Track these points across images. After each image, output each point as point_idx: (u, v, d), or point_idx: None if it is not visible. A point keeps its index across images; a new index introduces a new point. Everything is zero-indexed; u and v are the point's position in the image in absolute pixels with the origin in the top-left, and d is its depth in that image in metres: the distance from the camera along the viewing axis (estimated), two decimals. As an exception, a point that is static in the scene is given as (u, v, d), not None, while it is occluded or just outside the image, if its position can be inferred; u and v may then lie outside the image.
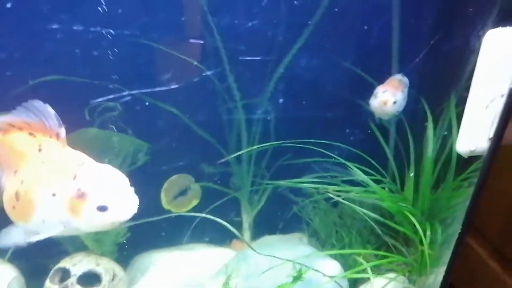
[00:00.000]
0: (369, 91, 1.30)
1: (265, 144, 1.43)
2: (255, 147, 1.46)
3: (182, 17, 1.30)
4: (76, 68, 1.24)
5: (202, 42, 1.34)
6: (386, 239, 1.41)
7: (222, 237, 1.58)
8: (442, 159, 1.40)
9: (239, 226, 1.60)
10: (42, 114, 0.82)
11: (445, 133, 1.38)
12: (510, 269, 1.33)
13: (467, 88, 1.03)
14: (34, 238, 0.79)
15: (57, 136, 0.82)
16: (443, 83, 1.40)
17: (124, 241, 1.39)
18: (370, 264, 1.26)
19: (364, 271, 1.26)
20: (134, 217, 0.78)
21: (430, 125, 1.40)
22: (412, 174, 1.43)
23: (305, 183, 1.45)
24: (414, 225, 1.29)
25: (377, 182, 1.42)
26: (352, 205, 1.36)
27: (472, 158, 1.09)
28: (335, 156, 1.39)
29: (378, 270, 1.35)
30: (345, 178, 1.44)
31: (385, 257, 1.33)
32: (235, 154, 1.44)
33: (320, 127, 1.53)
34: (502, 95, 0.95)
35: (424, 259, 1.29)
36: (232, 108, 1.45)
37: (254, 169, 1.54)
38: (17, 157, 0.83)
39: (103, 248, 1.35)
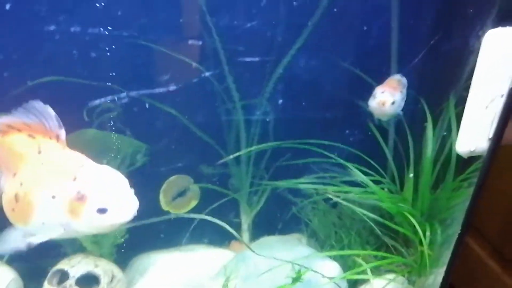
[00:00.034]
0: (368, 92, 1.29)
1: (264, 145, 1.43)
2: (254, 147, 1.46)
3: (180, 18, 1.30)
4: (74, 69, 1.23)
5: (200, 43, 1.34)
6: (386, 240, 1.41)
7: (221, 238, 1.57)
8: (442, 159, 1.40)
9: (238, 227, 1.60)
10: (43, 115, 0.82)
11: (445, 133, 1.38)
12: (509, 269, 1.33)
13: (466, 88, 1.02)
14: (34, 241, 0.79)
15: (57, 137, 0.82)
16: (442, 83, 1.40)
17: (123, 243, 1.38)
18: (369, 265, 1.25)
19: (363, 272, 1.26)
20: (133, 219, 0.78)
21: (429, 125, 1.40)
22: (411, 175, 1.43)
23: (304, 183, 1.45)
24: (414, 226, 1.28)
25: (376, 182, 1.42)
26: (352, 205, 1.36)
27: (472, 158, 1.09)
28: (334, 157, 1.39)
29: (377, 271, 1.35)
30: (344, 179, 1.44)
31: (384, 258, 1.33)
32: (234, 155, 1.44)
33: (319, 128, 1.52)
34: (502, 95, 0.95)
35: (423, 259, 1.28)
36: (231, 108, 1.44)
37: (253, 170, 1.54)
38: (16, 159, 0.83)
39: (102, 249, 1.35)
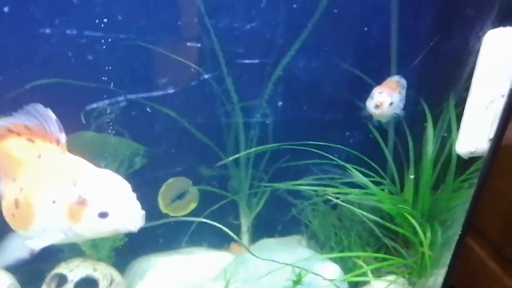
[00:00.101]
0: (368, 93, 1.29)
1: (263, 147, 1.43)
2: (253, 149, 1.45)
3: (179, 20, 1.29)
4: (72, 71, 1.23)
5: (199, 45, 1.33)
6: (386, 241, 1.41)
7: (220, 241, 1.57)
8: (442, 160, 1.40)
9: (237, 229, 1.59)
10: (43, 118, 0.81)
11: (445, 134, 1.37)
12: (510, 269, 1.33)
13: (466, 89, 1.02)
14: (36, 247, 0.78)
15: (57, 141, 0.81)
16: (442, 84, 1.40)
17: (121, 246, 1.37)
18: (370, 267, 1.25)
19: (364, 274, 1.25)
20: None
21: (429, 126, 1.40)
22: (412, 176, 1.43)
23: (304, 185, 1.44)
24: (414, 227, 1.28)
25: (376, 183, 1.41)
26: (351, 207, 1.36)
27: (472, 159, 1.09)
28: (334, 158, 1.38)
29: (378, 273, 1.35)
30: (344, 180, 1.44)
31: (385, 259, 1.33)
32: (233, 157, 1.43)
33: (318, 129, 1.52)
34: (502, 96, 0.95)
35: (424, 261, 1.28)
36: (230, 110, 1.44)
37: (253, 172, 1.53)
38: (16, 164, 0.82)
39: (100, 253, 1.34)
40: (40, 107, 0.81)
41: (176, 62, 1.31)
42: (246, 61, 1.38)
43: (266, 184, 1.53)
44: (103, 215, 0.74)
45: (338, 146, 1.40)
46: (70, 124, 0.85)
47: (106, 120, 1.29)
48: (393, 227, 1.36)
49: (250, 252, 1.25)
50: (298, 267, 1.21)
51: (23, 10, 1.16)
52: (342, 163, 1.39)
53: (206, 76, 1.36)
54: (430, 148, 1.39)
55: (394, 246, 1.41)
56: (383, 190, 1.44)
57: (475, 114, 1.01)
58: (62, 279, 1.24)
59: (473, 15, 1.20)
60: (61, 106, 0.84)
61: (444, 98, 1.37)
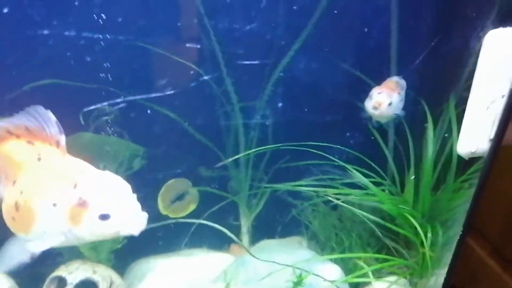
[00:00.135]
0: (368, 93, 1.29)
1: (263, 147, 1.42)
2: (253, 150, 1.45)
3: (179, 21, 1.28)
4: (72, 72, 1.22)
5: (198, 46, 1.32)
6: (387, 242, 1.40)
7: (220, 242, 1.57)
8: (442, 160, 1.40)
9: (237, 230, 1.59)
10: (43, 120, 0.81)
11: (445, 135, 1.37)
12: (510, 269, 1.33)
13: (467, 89, 1.02)
14: (37, 250, 0.78)
15: (57, 144, 0.81)
16: (442, 84, 1.40)
17: (121, 248, 1.37)
18: (371, 267, 1.25)
19: (365, 274, 1.25)
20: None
21: (430, 126, 1.40)
22: (413, 177, 1.43)
23: (304, 186, 1.44)
24: (415, 228, 1.28)
25: (377, 184, 1.41)
26: (352, 208, 1.35)
27: (472, 159, 1.09)
28: (334, 159, 1.38)
29: (379, 273, 1.34)
30: (344, 181, 1.43)
31: (386, 260, 1.33)
32: (233, 158, 1.43)
33: (319, 130, 1.52)
34: (503, 96, 0.95)
35: (425, 261, 1.28)
36: (230, 111, 1.43)
37: (252, 173, 1.53)
38: (16, 167, 0.82)
39: (100, 255, 1.33)
40: (40, 108, 0.81)
41: (175, 63, 1.30)
42: (246, 62, 1.37)
43: (266, 185, 1.53)
44: (104, 217, 0.73)
45: (339, 147, 1.40)
46: (68, 125, 0.84)
47: (105, 121, 1.29)
48: (394, 227, 1.35)
49: (250, 254, 1.25)
50: (298, 268, 1.20)
51: (23, 11, 1.16)
52: (342, 163, 1.39)
53: (205, 77, 1.36)
54: (430, 148, 1.39)
55: (395, 246, 1.41)
56: (383, 190, 1.44)
57: (476, 114, 1.01)
58: (62, 281, 1.24)
59: (474, 16, 1.20)
60: (60, 107, 0.83)
61: (444, 98, 1.37)
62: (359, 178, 1.39)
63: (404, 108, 1.32)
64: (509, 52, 0.94)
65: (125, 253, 1.39)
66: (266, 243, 1.59)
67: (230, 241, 1.56)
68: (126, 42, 1.23)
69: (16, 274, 1.29)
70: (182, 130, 1.40)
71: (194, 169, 1.49)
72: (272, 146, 1.42)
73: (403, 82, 1.35)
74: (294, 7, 1.33)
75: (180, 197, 1.48)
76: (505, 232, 1.36)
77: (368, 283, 1.31)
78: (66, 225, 0.75)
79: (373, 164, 1.44)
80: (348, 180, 1.43)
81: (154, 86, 1.32)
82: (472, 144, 1.02)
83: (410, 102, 1.36)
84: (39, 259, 0.82)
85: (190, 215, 1.48)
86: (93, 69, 1.24)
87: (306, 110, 1.50)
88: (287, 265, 1.20)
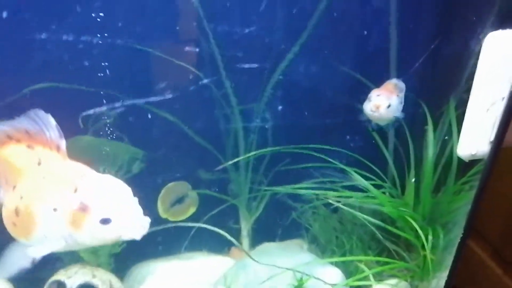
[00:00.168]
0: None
1: (263, 150, 1.42)
2: (253, 153, 1.45)
3: (178, 24, 1.28)
4: (71, 76, 1.22)
5: (197, 49, 1.32)
6: (388, 245, 1.40)
7: (220, 245, 1.56)
8: (443, 162, 1.40)
9: (237, 233, 1.58)
10: (44, 124, 0.80)
11: (445, 137, 1.37)
12: (511, 271, 1.33)
13: (466, 91, 1.02)
14: (37, 255, 0.77)
15: (58, 148, 0.80)
16: (442, 86, 1.40)
17: (120, 252, 1.36)
18: (372, 270, 1.25)
19: (366, 278, 1.25)
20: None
21: (430, 128, 1.40)
22: (413, 180, 1.42)
23: (304, 189, 1.44)
24: (416, 230, 1.28)
25: (377, 187, 1.41)
26: (352, 210, 1.35)
27: (473, 162, 1.09)
28: (335, 162, 1.38)
29: (380, 276, 1.34)
30: (344, 184, 1.43)
31: (386, 263, 1.32)
32: (233, 161, 1.43)
33: (319, 133, 1.51)
34: (503, 98, 0.95)
35: (426, 264, 1.28)
36: (229, 114, 1.43)
37: (252, 176, 1.53)
38: (15, 172, 0.81)
39: (99, 259, 1.33)
40: (40, 112, 0.80)
41: (175, 66, 1.30)
42: (245, 65, 1.37)
43: (266, 188, 1.53)
44: (105, 221, 0.73)
45: (339, 149, 1.40)
46: (67, 128, 0.84)
47: (104, 124, 1.28)
48: (395, 230, 1.35)
49: (250, 257, 1.24)
50: (299, 271, 1.20)
51: (21, 15, 1.15)
52: (342, 166, 1.38)
53: (205, 81, 1.36)
54: (430, 150, 1.39)
55: (396, 249, 1.41)
56: (384, 193, 1.43)
57: (476, 116, 1.01)
58: (61, 286, 1.23)
59: (473, 18, 1.20)
60: (59, 111, 0.83)
61: (445, 100, 1.37)
62: (359, 180, 1.39)
63: (404, 111, 1.32)
64: (509, 54, 0.94)
65: (125, 257, 1.38)
66: (266, 246, 1.59)
67: (230, 244, 1.55)
68: (126, 46, 1.23)
69: (15, 279, 1.28)
70: (181, 133, 1.39)
71: (194, 172, 1.48)
72: (272, 148, 1.42)
73: (402, 85, 1.34)
74: (294, 10, 1.33)
75: (179, 200, 1.48)
76: (506, 234, 1.36)
77: (369, 286, 1.30)
78: (67, 229, 0.74)
79: (373, 167, 1.44)
80: (348, 183, 1.42)
81: (154, 89, 1.32)
82: (472, 146, 1.03)
83: (410, 104, 1.36)
84: (38, 263, 0.82)
85: (190, 218, 1.47)
86: (92, 72, 1.23)
87: (306, 113, 1.50)
88: (288, 269, 1.20)
